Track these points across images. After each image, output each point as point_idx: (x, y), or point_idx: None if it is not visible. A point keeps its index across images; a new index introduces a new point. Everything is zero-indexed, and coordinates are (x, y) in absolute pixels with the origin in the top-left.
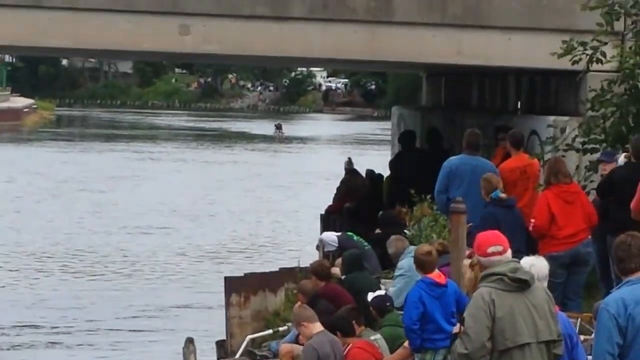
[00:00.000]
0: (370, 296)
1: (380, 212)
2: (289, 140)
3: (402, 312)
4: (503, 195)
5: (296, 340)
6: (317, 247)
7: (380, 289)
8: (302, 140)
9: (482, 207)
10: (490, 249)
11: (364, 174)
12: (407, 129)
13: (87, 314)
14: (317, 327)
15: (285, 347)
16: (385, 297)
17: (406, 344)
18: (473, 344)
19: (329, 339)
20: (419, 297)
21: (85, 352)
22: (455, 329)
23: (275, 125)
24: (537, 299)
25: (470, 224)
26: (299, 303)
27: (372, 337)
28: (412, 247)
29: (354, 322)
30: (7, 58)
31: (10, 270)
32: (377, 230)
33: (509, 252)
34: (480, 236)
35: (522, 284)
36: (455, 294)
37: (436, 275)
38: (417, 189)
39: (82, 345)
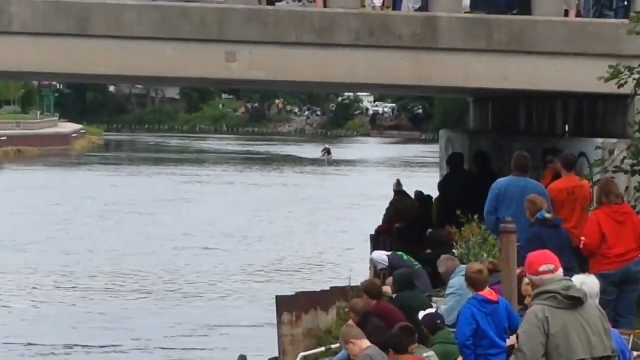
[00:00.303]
0: (421, 314)
1: (429, 231)
2: (337, 163)
3: (453, 330)
4: (548, 215)
5: (348, 358)
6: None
7: (431, 307)
8: (350, 163)
9: (528, 228)
10: (542, 268)
11: (412, 196)
12: (456, 152)
13: (138, 333)
14: (366, 343)
15: None
16: (436, 315)
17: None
18: None
19: (380, 353)
20: (471, 314)
21: None
22: (509, 341)
23: (323, 150)
24: (591, 316)
25: (518, 244)
26: (350, 321)
27: (425, 355)
28: (463, 266)
29: (407, 339)
30: (55, 85)
31: (59, 289)
32: (428, 251)
33: (561, 270)
34: (530, 256)
35: (575, 302)
36: (507, 310)
37: (488, 293)
38: (465, 210)
39: None
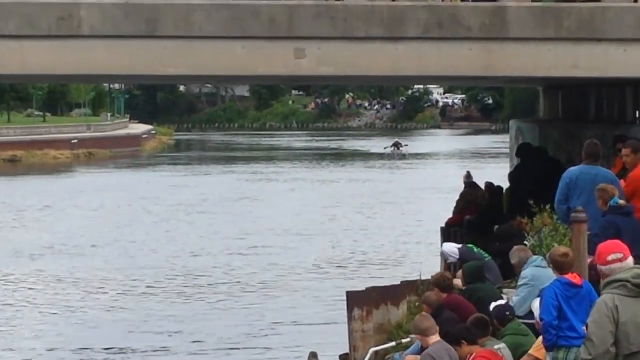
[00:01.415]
0: (492, 306)
1: (496, 227)
2: (407, 157)
3: (524, 321)
4: (622, 202)
5: (420, 352)
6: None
7: (501, 298)
8: (420, 156)
9: (601, 216)
10: (610, 257)
11: (482, 187)
12: (525, 141)
13: (205, 333)
14: (433, 339)
15: (409, 358)
16: (506, 307)
17: (531, 351)
18: (597, 350)
19: (445, 347)
20: (554, 294)
21: None
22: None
23: (393, 144)
24: None
25: (589, 232)
26: (422, 313)
27: (496, 347)
28: (535, 257)
29: (478, 332)
30: (125, 86)
31: (125, 292)
32: (497, 244)
33: (630, 259)
34: (600, 246)
35: None
36: (590, 295)
37: (572, 276)
38: (536, 200)
39: None
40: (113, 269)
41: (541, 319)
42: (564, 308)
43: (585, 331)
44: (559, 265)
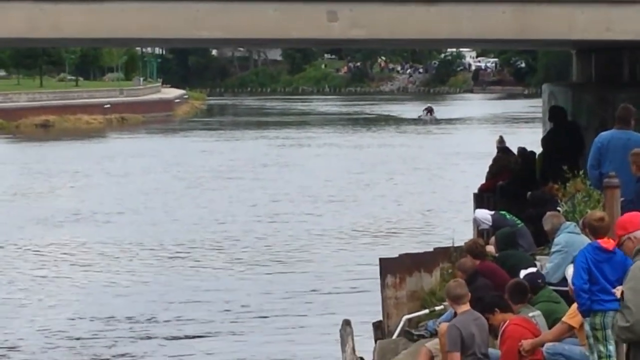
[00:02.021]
0: (522, 274)
1: (529, 193)
2: (439, 122)
3: (556, 288)
4: None
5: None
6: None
7: (534, 265)
8: (453, 121)
9: (635, 182)
10: None
11: (515, 152)
12: (557, 105)
13: (239, 302)
14: (462, 307)
15: (443, 326)
16: (537, 274)
17: (565, 318)
18: (634, 316)
19: (473, 317)
20: (585, 259)
21: (243, 337)
22: (616, 292)
23: (426, 109)
24: None
25: (623, 199)
26: (457, 280)
27: (531, 314)
28: (568, 223)
29: (515, 298)
30: (157, 50)
31: (153, 259)
32: (530, 210)
33: None
34: (627, 216)
35: None
36: (624, 261)
37: (604, 241)
38: (569, 165)
39: (237, 332)
40: (142, 235)
41: (573, 284)
42: (594, 272)
43: (621, 299)
44: (595, 230)
